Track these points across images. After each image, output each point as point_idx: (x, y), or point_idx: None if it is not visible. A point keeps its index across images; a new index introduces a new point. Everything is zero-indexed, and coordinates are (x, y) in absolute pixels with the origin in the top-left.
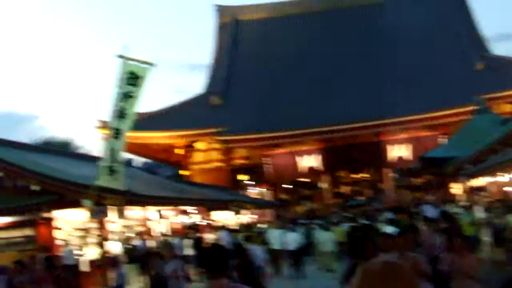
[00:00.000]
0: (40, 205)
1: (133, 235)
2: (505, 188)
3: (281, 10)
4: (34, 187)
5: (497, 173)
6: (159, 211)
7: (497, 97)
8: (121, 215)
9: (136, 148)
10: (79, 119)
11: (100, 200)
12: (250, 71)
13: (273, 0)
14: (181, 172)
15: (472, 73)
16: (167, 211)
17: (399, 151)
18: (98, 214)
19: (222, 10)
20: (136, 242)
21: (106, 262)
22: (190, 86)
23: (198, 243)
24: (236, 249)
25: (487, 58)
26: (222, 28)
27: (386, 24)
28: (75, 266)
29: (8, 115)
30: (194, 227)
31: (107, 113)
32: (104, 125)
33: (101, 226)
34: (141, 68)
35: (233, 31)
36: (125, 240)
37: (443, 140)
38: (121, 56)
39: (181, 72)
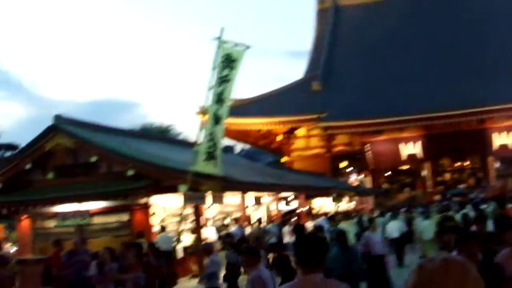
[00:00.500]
0: (136, 191)
1: (229, 221)
2: None
3: None
4: (130, 172)
5: None
6: (257, 197)
7: None
8: (218, 201)
9: (236, 134)
10: (179, 106)
11: (197, 185)
12: (350, 56)
13: None
14: (281, 158)
15: None
16: (265, 197)
17: (504, 139)
18: (194, 200)
19: None
20: (233, 228)
21: (200, 249)
22: (292, 73)
23: (298, 230)
24: (338, 237)
25: None
26: (322, 13)
27: (490, 7)
28: (169, 253)
29: (112, 102)
30: (292, 214)
31: (205, 98)
32: (203, 110)
33: (197, 212)
34: (236, 50)
35: (333, 16)
36: (222, 227)
37: None
38: (217, 39)
39: (283, 60)
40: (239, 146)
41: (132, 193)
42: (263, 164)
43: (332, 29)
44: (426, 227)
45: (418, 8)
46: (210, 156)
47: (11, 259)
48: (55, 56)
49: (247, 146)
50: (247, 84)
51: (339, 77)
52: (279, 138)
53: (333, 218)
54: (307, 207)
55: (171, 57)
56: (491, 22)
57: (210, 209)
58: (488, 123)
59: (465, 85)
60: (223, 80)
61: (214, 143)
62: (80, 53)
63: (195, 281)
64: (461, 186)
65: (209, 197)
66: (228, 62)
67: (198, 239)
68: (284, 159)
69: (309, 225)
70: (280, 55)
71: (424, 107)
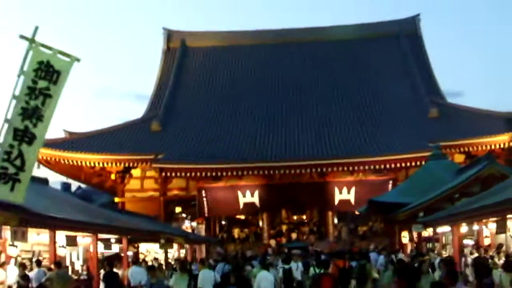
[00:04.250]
0: None
1: (31, 263)
2: (465, 240)
3: (232, 40)
4: None
5: (459, 223)
6: (69, 236)
7: (450, 145)
8: (20, 237)
9: (68, 169)
10: None
11: None
12: (194, 98)
13: (225, 29)
14: (115, 199)
15: (425, 119)
16: (82, 238)
17: (344, 194)
18: None
19: (170, 34)
20: (33, 272)
21: None
22: (137, 116)
23: (108, 278)
24: None
25: (441, 105)
26: (169, 53)
27: (338, 62)
28: None
29: None
30: (109, 259)
31: (7, 108)
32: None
33: None
34: (60, 60)
35: (179, 57)
36: (22, 268)
37: (391, 185)
38: (31, 40)
39: (128, 102)
40: (75, 184)
41: None
42: (98, 204)
43: (177, 70)
44: (268, 279)
45: (265, 55)
46: (3, 178)
47: None
48: None
49: (84, 185)
50: (87, 123)
51: (180, 119)
52: (113, 177)
53: (153, 268)
54: (131, 252)
55: None
56: (342, 76)
57: (13, 246)
58: (329, 177)
59: (307, 136)
60: (41, 94)
61: (12, 164)
62: None
63: None
64: (299, 239)
65: (8, 232)
66: (48, 73)
67: None
68: (117, 200)
69: (122, 272)
70: (125, 96)
71: (265, 156)
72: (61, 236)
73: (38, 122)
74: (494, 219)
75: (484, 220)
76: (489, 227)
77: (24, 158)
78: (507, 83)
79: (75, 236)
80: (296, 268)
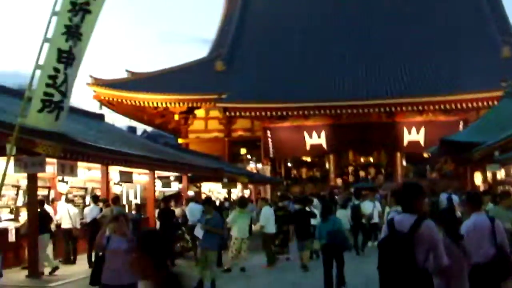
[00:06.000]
0: None
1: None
2: None
3: None
4: None
5: None
6: (123, 172)
7: None
8: (68, 171)
9: (131, 110)
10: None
11: (29, 146)
12: (259, 38)
13: None
14: (179, 140)
15: (498, 59)
16: (140, 176)
17: (413, 135)
18: (28, 166)
19: None
20: (88, 207)
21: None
22: None
23: (163, 215)
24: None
25: None
26: None
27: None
28: None
29: None
30: (165, 197)
31: (47, 26)
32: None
33: (32, 183)
34: None
35: None
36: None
37: (462, 126)
38: None
39: (191, 46)
40: (141, 127)
41: None
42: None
43: (241, 9)
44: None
45: None
46: (48, 106)
47: None
48: None
49: (149, 128)
50: (151, 66)
51: (245, 58)
52: (176, 118)
53: (208, 203)
54: (193, 191)
55: None
56: (406, 15)
57: (63, 183)
58: (398, 117)
59: (375, 75)
60: (80, 9)
61: (58, 90)
62: None
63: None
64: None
65: (54, 165)
66: None
67: (33, 218)
68: (180, 141)
69: (178, 210)
70: (189, 40)
71: (331, 96)
72: (116, 173)
73: (78, 42)
74: None
75: None
76: None
77: (68, 84)
78: None
79: (131, 173)
80: (373, 206)
